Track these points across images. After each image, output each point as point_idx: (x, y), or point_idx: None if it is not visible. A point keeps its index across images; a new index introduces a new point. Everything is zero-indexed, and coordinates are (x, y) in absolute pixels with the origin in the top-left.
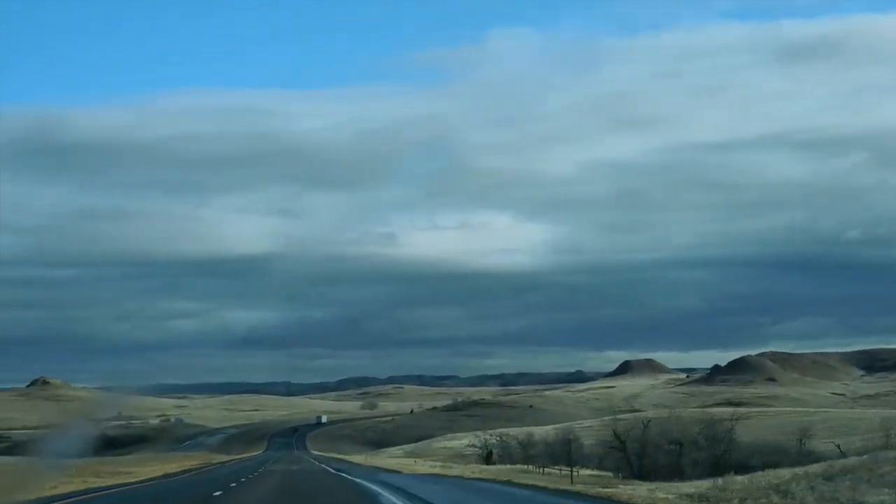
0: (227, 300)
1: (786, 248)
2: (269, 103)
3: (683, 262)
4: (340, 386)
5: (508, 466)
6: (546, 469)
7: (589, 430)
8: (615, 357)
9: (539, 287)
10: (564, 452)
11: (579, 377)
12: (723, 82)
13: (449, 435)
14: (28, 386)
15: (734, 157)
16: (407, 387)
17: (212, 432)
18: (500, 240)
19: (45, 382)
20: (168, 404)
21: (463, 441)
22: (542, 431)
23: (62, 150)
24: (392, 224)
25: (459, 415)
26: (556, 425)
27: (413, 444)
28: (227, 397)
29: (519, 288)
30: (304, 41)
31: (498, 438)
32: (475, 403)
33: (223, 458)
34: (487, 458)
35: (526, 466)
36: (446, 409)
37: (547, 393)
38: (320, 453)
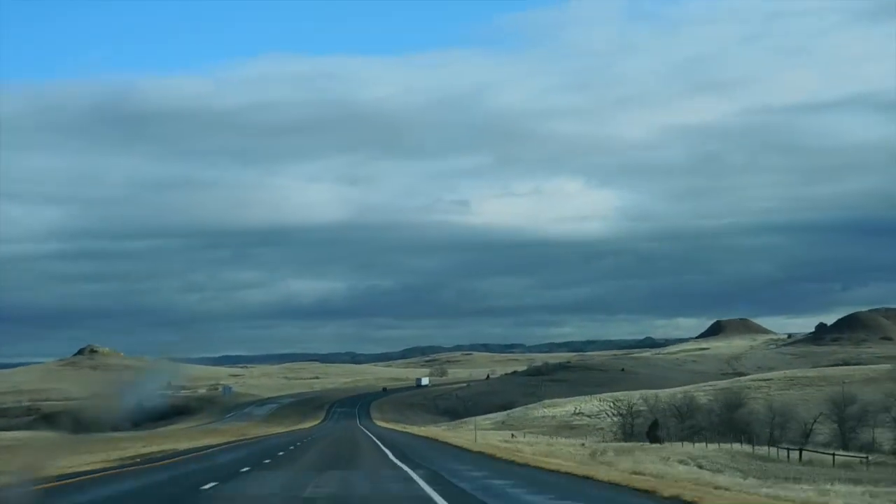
0: (294, 269)
1: (864, 212)
2: (344, 70)
3: (757, 227)
4: (405, 355)
5: (713, 447)
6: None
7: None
8: (685, 325)
9: (609, 254)
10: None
11: (650, 343)
12: (807, 44)
13: (546, 401)
14: (75, 355)
15: (815, 119)
16: (476, 354)
17: (263, 402)
18: (572, 206)
19: (92, 351)
20: (224, 373)
21: (566, 408)
22: (666, 395)
23: (136, 119)
24: (463, 191)
25: (544, 380)
26: (679, 388)
27: (501, 414)
28: (287, 365)
29: (589, 255)
30: (386, 6)
31: (615, 404)
32: (561, 367)
33: (265, 430)
34: (628, 432)
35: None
36: (527, 373)
37: (635, 355)
38: (387, 425)
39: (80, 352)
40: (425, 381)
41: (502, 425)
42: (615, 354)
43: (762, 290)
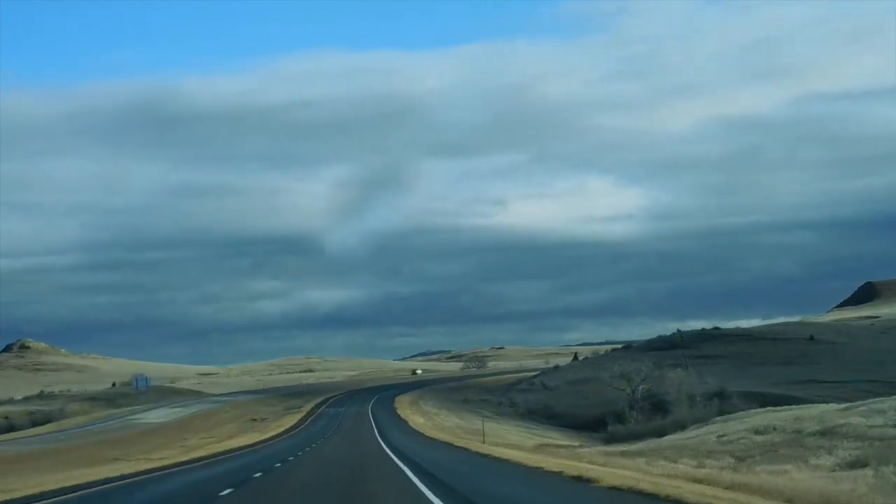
0: (314, 278)
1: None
2: (388, 64)
3: (785, 224)
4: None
5: None
6: None
7: None
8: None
9: (632, 256)
10: None
11: None
12: (875, 27)
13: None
14: (2, 352)
15: (870, 107)
16: (509, 348)
17: (195, 401)
18: (600, 205)
19: (23, 347)
20: (191, 371)
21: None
22: None
23: (169, 122)
24: (496, 193)
25: (686, 355)
26: None
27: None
28: (277, 360)
29: (613, 257)
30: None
31: None
32: (705, 336)
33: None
34: None
35: None
36: (653, 347)
37: (808, 320)
38: (451, 441)
39: (8, 348)
40: (419, 372)
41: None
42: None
43: (781, 289)
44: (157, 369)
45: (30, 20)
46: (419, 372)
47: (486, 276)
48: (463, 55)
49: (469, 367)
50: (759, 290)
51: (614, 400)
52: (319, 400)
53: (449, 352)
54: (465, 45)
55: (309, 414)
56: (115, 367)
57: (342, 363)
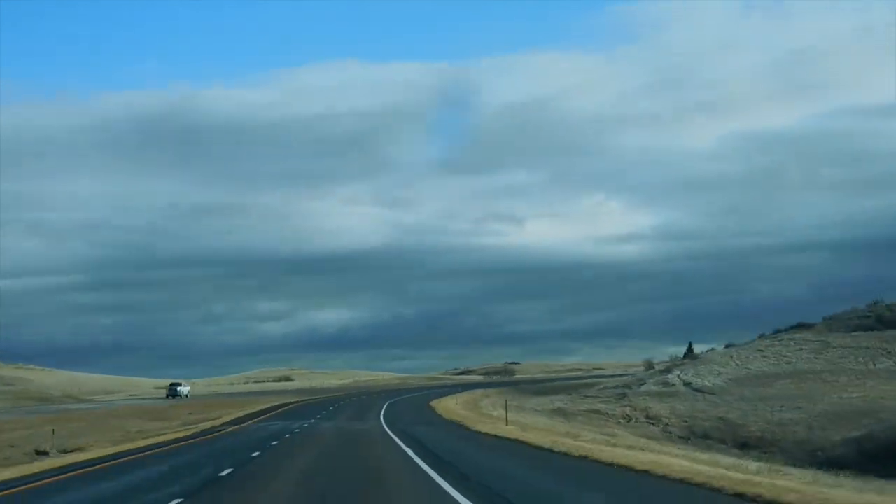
0: (320, 299)
1: None
2: (406, 77)
3: (800, 244)
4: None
5: None
6: None
7: None
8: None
9: (637, 277)
10: None
11: None
12: None
13: None
14: None
15: None
16: (524, 363)
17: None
18: (611, 225)
19: None
20: (149, 384)
21: None
22: None
23: (187, 137)
24: (509, 212)
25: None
26: None
27: None
28: (258, 371)
29: (618, 278)
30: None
31: None
32: None
33: None
34: None
35: None
36: (853, 325)
37: None
38: None
39: None
40: (185, 389)
41: None
42: None
43: (785, 312)
44: (105, 381)
45: (33, 27)
46: (184, 390)
47: (489, 297)
48: (486, 68)
49: (492, 374)
50: (766, 311)
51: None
52: (264, 408)
53: (456, 369)
54: (491, 57)
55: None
56: (56, 380)
57: (330, 375)
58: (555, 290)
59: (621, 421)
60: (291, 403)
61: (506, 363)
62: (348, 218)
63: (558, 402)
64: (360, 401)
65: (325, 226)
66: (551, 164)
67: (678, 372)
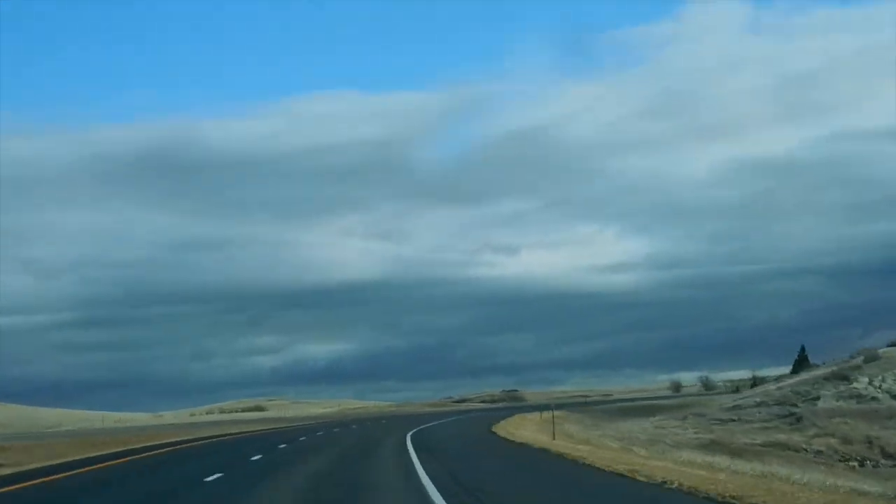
0: (311, 333)
1: None
2: (403, 107)
3: (792, 271)
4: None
5: None
6: None
7: None
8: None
9: (628, 306)
10: None
11: None
12: None
13: None
14: None
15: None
16: (522, 390)
17: None
18: (604, 254)
19: None
20: (112, 418)
21: None
22: None
23: (183, 170)
24: (501, 243)
25: None
26: None
27: None
28: (233, 402)
29: (610, 307)
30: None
31: None
32: None
33: None
34: None
35: None
36: None
37: None
38: None
39: None
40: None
41: None
42: None
43: (776, 340)
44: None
45: (29, 61)
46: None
47: (479, 329)
48: (475, 94)
49: (497, 400)
50: (755, 340)
51: None
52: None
53: (450, 397)
54: (485, 86)
55: None
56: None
57: (314, 404)
58: (546, 320)
59: (839, 462)
60: (226, 435)
61: (503, 390)
62: (342, 250)
63: (691, 428)
64: (344, 436)
65: (319, 258)
66: (546, 191)
67: (866, 379)
